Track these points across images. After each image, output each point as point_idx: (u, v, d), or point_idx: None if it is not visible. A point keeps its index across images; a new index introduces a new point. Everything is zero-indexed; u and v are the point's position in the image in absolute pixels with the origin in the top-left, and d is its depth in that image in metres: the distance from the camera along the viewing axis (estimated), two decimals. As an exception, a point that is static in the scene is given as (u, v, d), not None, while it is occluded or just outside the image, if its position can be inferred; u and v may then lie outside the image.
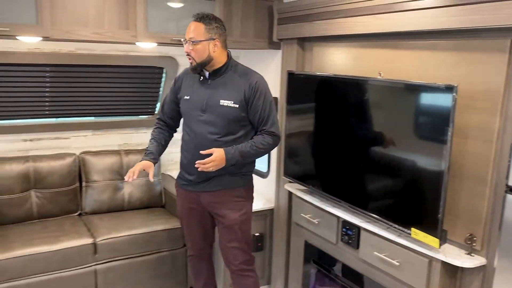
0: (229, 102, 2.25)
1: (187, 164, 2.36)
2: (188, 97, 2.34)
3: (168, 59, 3.33)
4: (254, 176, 3.41)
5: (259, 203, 3.21)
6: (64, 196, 3.11)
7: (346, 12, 2.33)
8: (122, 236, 2.89)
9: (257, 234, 3.20)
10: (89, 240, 2.79)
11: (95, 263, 2.80)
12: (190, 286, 3.15)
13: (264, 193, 3.33)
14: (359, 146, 2.30)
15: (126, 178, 2.23)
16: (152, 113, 3.63)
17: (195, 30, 2.20)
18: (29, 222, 2.99)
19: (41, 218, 3.04)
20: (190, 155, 2.32)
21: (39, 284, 2.63)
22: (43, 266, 2.64)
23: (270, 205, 3.20)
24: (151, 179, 2.33)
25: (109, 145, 3.47)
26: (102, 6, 2.50)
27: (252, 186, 2.49)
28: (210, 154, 2.16)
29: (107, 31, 2.53)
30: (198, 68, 2.26)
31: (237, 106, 2.25)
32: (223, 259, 2.53)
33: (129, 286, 2.92)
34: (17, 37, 2.38)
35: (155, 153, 2.41)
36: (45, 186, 3.04)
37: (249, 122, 2.31)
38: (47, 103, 3.18)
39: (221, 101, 2.25)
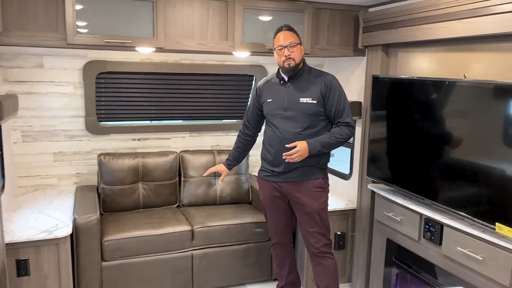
0: (308, 99, 2.56)
1: (271, 157, 2.64)
2: (270, 100, 2.65)
3: (258, 67, 3.63)
4: (337, 178, 3.61)
5: (341, 203, 3.37)
6: (166, 189, 3.50)
7: (431, 18, 2.45)
8: (216, 225, 3.20)
9: (339, 233, 3.35)
10: (187, 227, 3.14)
11: (192, 249, 3.13)
12: (275, 278, 3.38)
13: (346, 194, 3.48)
14: (443, 145, 2.38)
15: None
16: (241, 117, 3.95)
17: (292, 36, 2.54)
18: (136, 210, 3.42)
19: (146, 208, 3.46)
20: (274, 149, 2.61)
21: (146, 263, 3.01)
22: (150, 247, 3.01)
23: (352, 205, 3.34)
24: (220, 181, 2.98)
25: (204, 146, 3.84)
26: (206, 21, 2.86)
27: (328, 178, 2.74)
28: (295, 147, 2.48)
29: (209, 42, 2.88)
30: (295, 69, 2.55)
31: (315, 102, 2.55)
32: (305, 244, 2.76)
33: (220, 271, 3.22)
34: (136, 48, 2.81)
35: (231, 160, 2.94)
36: (150, 179, 3.46)
37: (326, 117, 2.61)
38: (153, 107, 3.63)
39: (300, 99, 2.56)
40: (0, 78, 3.01)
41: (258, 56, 3.53)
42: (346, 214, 3.36)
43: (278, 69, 2.66)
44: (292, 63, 2.52)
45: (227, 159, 2.96)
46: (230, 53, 3.12)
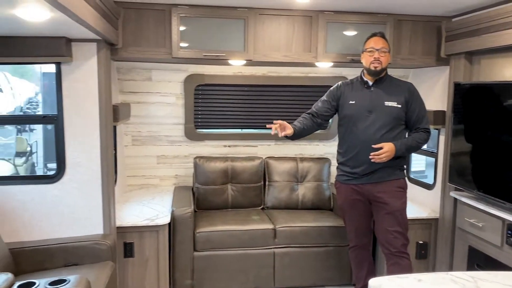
0: (393, 103, 2.68)
1: (352, 160, 2.74)
2: (353, 102, 2.75)
3: (341, 78, 3.78)
4: (419, 188, 3.61)
5: (423, 213, 3.37)
6: (252, 191, 3.79)
7: (513, 23, 2.45)
8: (297, 226, 3.39)
9: (421, 242, 3.34)
10: (270, 226, 3.37)
11: (274, 246, 3.35)
12: (353, 284, 3.45)
13: (429, 203, 3.46)
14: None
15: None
16: (325, 127, 4.12)
17: (384, 43, 2.70)
18: (224, 210, 3.74)
19: (234, 208, 3.76)
20: (355, 151, 2.73)
21: (232, 256, 3.28)
22: (236, 242, 3.29)
23: (435, 214, 3.32)
24: (281, 134, 2.69)
25: (288, 154, 4.07)
26: (291, 35, 3.13)
27: (406, 179, 2.83)
28: (381, 148, 2.59)
29: (294, 54, 3.15)
30: (380, 73, 2.70)
31: (399, 106, 2.68)
32: (382, 243, 2.80)
33: (300, 271, 3.38)
34: (229, 61, 3.17)
35: (297, 125, 2.81)
36: (238, 181, 3.77)
37: (404, 122, 2.71)
38: (243, 117, 3.97)
39: (385, 102, 2.69)
40: (117, 89, 3.55)
41: (341, 68, 3.71)
42: (429, 224, 3.34)
43: (361, 74, 2.80)
44: (379, 67, 2.65)
45: (293, 124, 2.82)
46: (314, 65, 3.35)
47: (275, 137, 4.03)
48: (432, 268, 3.33)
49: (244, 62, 3.18)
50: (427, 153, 3.72)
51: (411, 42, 3.26)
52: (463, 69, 2.98)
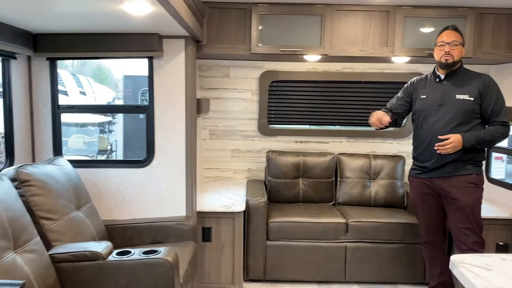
0: (465, 96, 2.64)
1: (423, 153, 2.75)
2: (424, 96, 2.77)
3: (416, 75, 3.74)
4: (501, 188, 3.47)
5: (503, 213, 3.23)
6: (323, 187, 3.84)
7: None
8: (369, 221, 3.39)
9: (501, 244, 3.21)
10: (342, 220, 3.40)
11: (346, 240, 3.38)
12: (426, 282, 3.38)
13: (511, 204, 3.31)
14: None
15: (375, 122, 2.84)
16: (399, 125, 4.07)
17: (456, 36, 2.66)
18: (295, 203, 3.82)
19: (304, 202, 3.84)
20: (425, 144, 2.72)
21: (304, 247, 3.35)
22: (308, 233, 3.36)
23: (517, 215, 3.18)
24: (385, 123, 2.83)
25: (359, 152, 4.07)
26: (367, 30, 3.17)
27: (483, 176, 2.74)
28: (447, 138, 2.57)
29: (370, 48, 3.18)
30: (452, 66, 2.67)
31: (472, 99, 2.63)
32: (454, 240, 2.75)
33: (372, 266, 3.37)
34: (305, 57, 3.27)
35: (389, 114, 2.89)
36: (310, 176, 3.84)
37: (480, 115, 2.66)
38: (315, 113, 4.05)
39: (456, 95, 2.66)
40: (198, 85, 3.78)
41: (417, 64, 3.68)
42: (510, 225, 3.20)
43: (434, 69, 2.80)
44: (450, 60, 2.64)
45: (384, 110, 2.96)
46: (390, 60, 3.35)
47: (348, 134, 4.11)
48: (514, 271, 3.18)
49: (319, 57, 3.26)
50: (508, 151, 3.57)
51: (494, 36, 3.16)
52: (552, 62, 2.85)
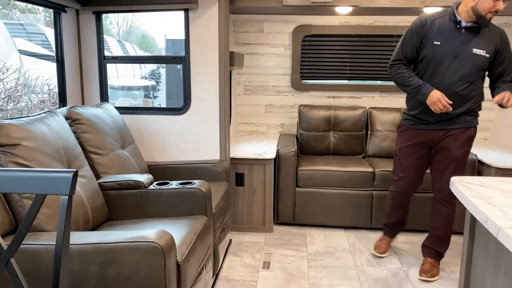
0: (482, 51, 2.48)
1: (424, 106, 2.59)
2: (438, 43, 2.51)
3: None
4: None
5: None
6: (354, 140, 3.96)
7: None
8: (396, 170, 3.49)
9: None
10: (369, 169, 3.53)
11: (372, 189, 3.51)
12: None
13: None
14: None
15: (443, 109, 2.49)
16: (432, 80, 4.08)
17: None
18: (326, 156, 3.97)
19: (335, 154, 3.98)
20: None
21: (332, 194, 3.52)
22: (335, 181, 3.52)
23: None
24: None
25: (391, 106, 4.13)
26: (398, -20, 3.18)
27: (476, 129, 2.70)
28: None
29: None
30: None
31: (488, 56, 2.49)
32: (433, 189, 2.80)
33: (397, 214, 3.50)
34: (336, 8, 3.33)
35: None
36: (340, 129, 3.96)
37: (485, 71, 2.58)
38: (347, 68, 4.12)
39: (474, 49, 2.48)
40: (232, 41, 3.94)
41: None
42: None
43: (454, 10, 2.52)
44: (492, 17, 2.40)
45: (426, 85, 2.56)
46: (422, 11, 3.35)
47: (380, 89, 4.16)
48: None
49: (351, 9, 3.32)
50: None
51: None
52: None
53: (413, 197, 3.04)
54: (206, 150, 3.19)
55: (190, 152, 3.20)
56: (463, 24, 2.50)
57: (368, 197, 3.52)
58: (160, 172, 3.03)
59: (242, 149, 3.58)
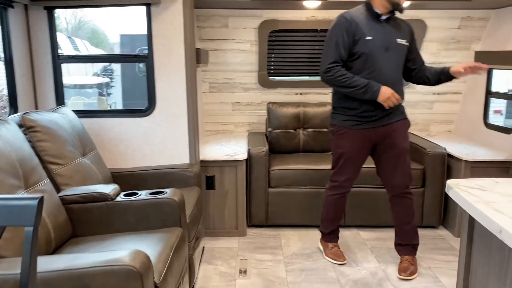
0: (403, 40, 2.56)
1: (368, 103, 2.54)
2: (370, 37, 2.48)
3: (417, 21, 3.73)
4: (496, 133, 3.53)
5: (501, 156, 3.30)
6: (323, 136, 3.89)
7: None
8: (367, 167, 3.41)
9: (497, 186, 3.29)
10: (342, 166, 3.47)
11: (345, 186, 3.45)
12: (419, 225, 3.50)
13: (508, 148, 3.37)
14: None
15: (395, 103, 2.51)
16: (398, 74, 4.08)
17: None
18: (296, 153, 3.88)
19: (305, 152, 3.90)
20: None
21: (304, 193, 3.44)
22: (308, 180, 3.44)
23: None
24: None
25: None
26: (367, -26, 3.11)
27: None
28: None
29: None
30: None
31: (407, 44, 2.58)
32: (386, 185, 2.79)
33: (369, 210, 3.47)
34: (303, 2, 3.23)
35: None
36: (310, 126, 3.89)
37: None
38: (315, 64, 4.04)
39: (397, 39, 2.53)
40: (196, 37, 3.75)
41: (418, 10, 3.64)
42: (506, 167, 3.27)
43: (369, 5, 2.53)
44: (404, 2, 2.46)
45: (373, 83, 2.49)
46: (389, 5, 3.31)
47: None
48: None
49: (319, 3, 3.22)
50: (509, 96, 3.60)
51: (495, -23, 3.12)
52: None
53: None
54: (174, 154, 3.01)
55: (156, 156, 3.01)
56: (383, 17, 2.53)
57: (341, 194, 3.46)
58: (125, 179, 2.82)
59: (211, 150, 3.42)
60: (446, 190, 1.50)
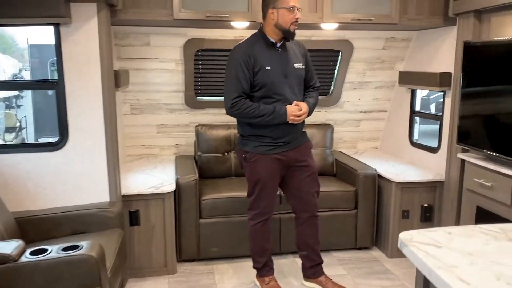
0: (299, 64, 2.60)
1: (277, 130, 2.57)
2: (269, 67, 2.50)
3: (344, 42, 3.72)
4: (424, 152, 3.60)
5: (428, 176, 3.37)
6: (255, 159, 3.74)
7: (529, -23, 2.39)
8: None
9: (425, 205, 3.36)
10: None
11: (280, 212, 3.30)
12: (359, 247, 3.48)
13: (433, 167, 3.46)
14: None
15: (302, 115, 2.56)
16: (327, 93, 4.06)
17: None
18: (228, 178, 3.69)
19: (237, 176, 3.72)
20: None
21: (238, 222, 3.23)
22: (242, 208, 3.23)
23: (440, 177, 3.32)
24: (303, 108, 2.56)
25: (290, 121, 4.01)
26: (296, -5, 3.02)
27: None
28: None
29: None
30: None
31: (303, 67, 2.63)
32: (299, 208, 2.79)
33: (306, 236, 3.38)
34: (232, 23, 3.06)
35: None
36: (241, 149, 3.72)
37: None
38: (244, 83, 3.88)
39: (294, 64, 2.57)
40: (114, 56, 3.42)
41: (345, 31, 3.63)
42: (433, 187, 3.35)
43: (262, 33, 2.55)
44: (296, 29, 2.49)
45: (276, 107, 2.53)
46: (318, 27, 3.25)
47: (277, 104, 4.01)
48: (437, 230, 3.36)
49: (248, 24, 3.07)
50: (432, 116, 3.71)
51: (418, 2, 3.17)
52: (472, 28, 2.92)
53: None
54: (92, 191, 2.68)
55: (71, 195, 2.66)
56: (277, 44, 2.55)
57: (276, 221, 3.32)
58: (35, 225, 2.45)
59: (135, 182, 3.12)
60: (399, 247, 1.39)
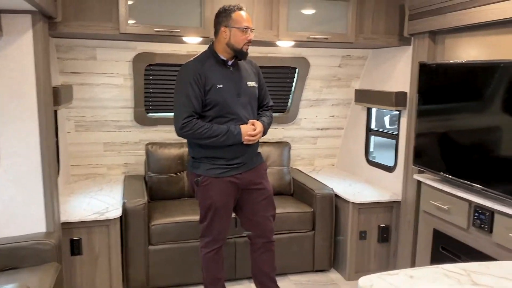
0: (252, 82, 2.55)
1: (230, 151, 2.45)
2: (221, 86, 2.40)
3: (301, 59, 3.65)
4: (380, 171, 3.57)
5: (385, 195, 3.33)
6: (209, 179, 3.57)
7: (480, 1, 2.39)
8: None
9: (382, 226, 3.31)
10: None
11: (235, 236, 3.16)
12: (317, 270, 3.38)
13: (390, 186, 3.43)
14: (495, 129, 2.32)
15: (252, 141, 2.47)
16: (283, 110, 3.97)
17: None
18: (180, 199, 3.50)
19: (191, 197, 3.51)
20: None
21: (191, 248, 3.04)
22: (194, 233, 3.03)
23: (396, 197, 3.28)
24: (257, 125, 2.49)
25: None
26: (251, 11, 2.88)
27: None
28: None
29: (254, 32, 2.92)
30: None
31: (256, 85, 2.57)
32: (254, 234, 2.68)
33: (262, 260, 3.24)
34: (184, 38, 2.90)
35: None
36: (194, 169, 3.54)
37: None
38: (198, 99, 3.71)
39: (247, 83, 2.51)
40: (56, 70, 3.17)
41: (301, 48, 3.56)
42: (390, 207, 3.32)
43: (213, 52, 2.46)
44: (248, 49, 2.45)
45: (230, 128, 2.42)
46: (274, 44, 3.16)
47: (232, 121, 3.87)
48: (394, 251, 3.32)
49: (201, 39, 2.93)
50: (388, 135, 3.70)
51: (374, 21, 3.15)
52: (427, 49, 2.92)
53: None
54: (26, 221, 2.43)
55: (2, 226, 2.39)
56: (229, 62, 2.48)
57: (231, 245, 3.17)
58: (-45, 262, 2.17)
59: (77, 206, 2.88)
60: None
